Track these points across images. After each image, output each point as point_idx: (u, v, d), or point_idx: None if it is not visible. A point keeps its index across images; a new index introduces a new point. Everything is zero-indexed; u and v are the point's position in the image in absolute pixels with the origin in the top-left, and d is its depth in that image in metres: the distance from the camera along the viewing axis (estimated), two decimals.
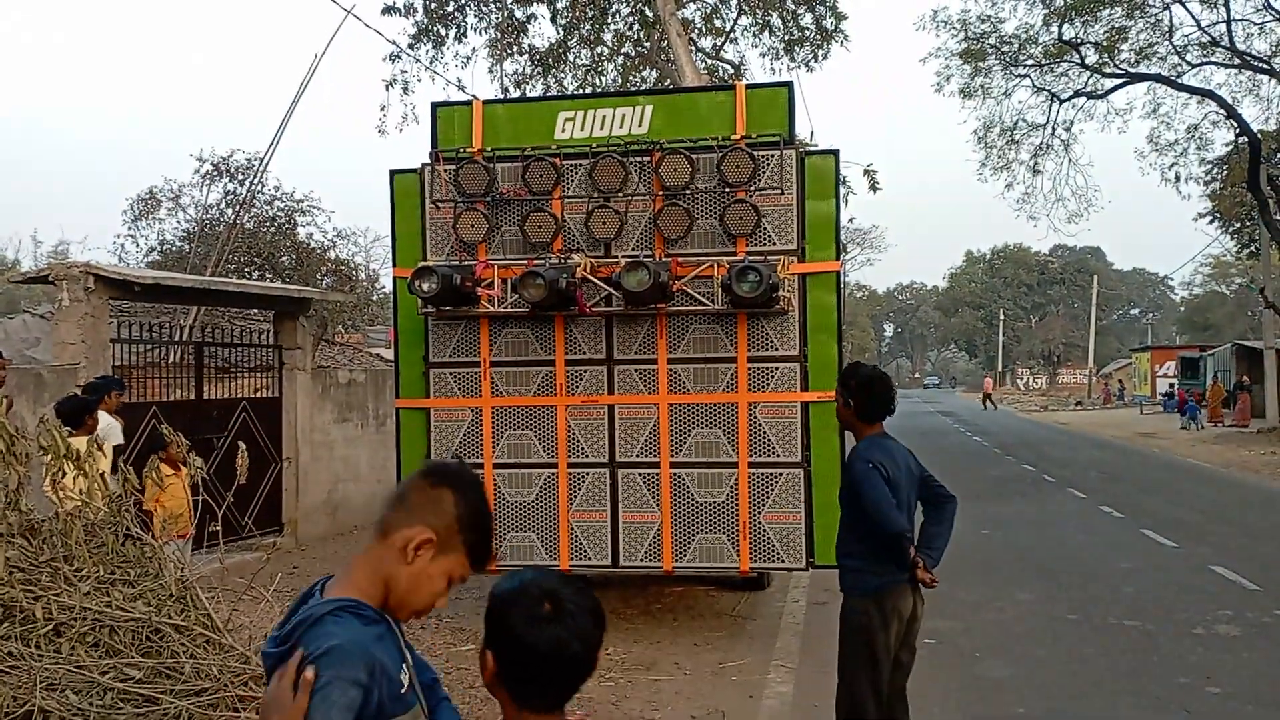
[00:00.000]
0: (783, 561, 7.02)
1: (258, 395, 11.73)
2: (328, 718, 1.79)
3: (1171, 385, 42.53)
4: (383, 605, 1.94)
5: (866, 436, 4.45)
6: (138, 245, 21.15)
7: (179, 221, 21.10)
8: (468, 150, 7.33)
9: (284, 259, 19.67)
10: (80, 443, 5.32)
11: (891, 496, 4.30)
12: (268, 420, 11.46)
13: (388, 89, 20.77)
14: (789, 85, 7.47)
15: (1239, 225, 32.64)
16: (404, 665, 1.96)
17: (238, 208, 19.17)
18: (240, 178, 19.99)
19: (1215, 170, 29.55)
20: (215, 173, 20.22)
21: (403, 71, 20.80)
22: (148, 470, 5.32)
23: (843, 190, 18.63)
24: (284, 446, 11.63)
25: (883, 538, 4.33)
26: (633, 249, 7.09)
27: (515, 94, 20.22)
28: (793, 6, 20.84)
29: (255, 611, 5.42)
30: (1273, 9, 24.09)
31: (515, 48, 20.96)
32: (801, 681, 6.46)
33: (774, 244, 6.98)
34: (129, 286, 9.77)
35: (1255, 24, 24.94)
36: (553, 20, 20.79)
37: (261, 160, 18.80)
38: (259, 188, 19.67)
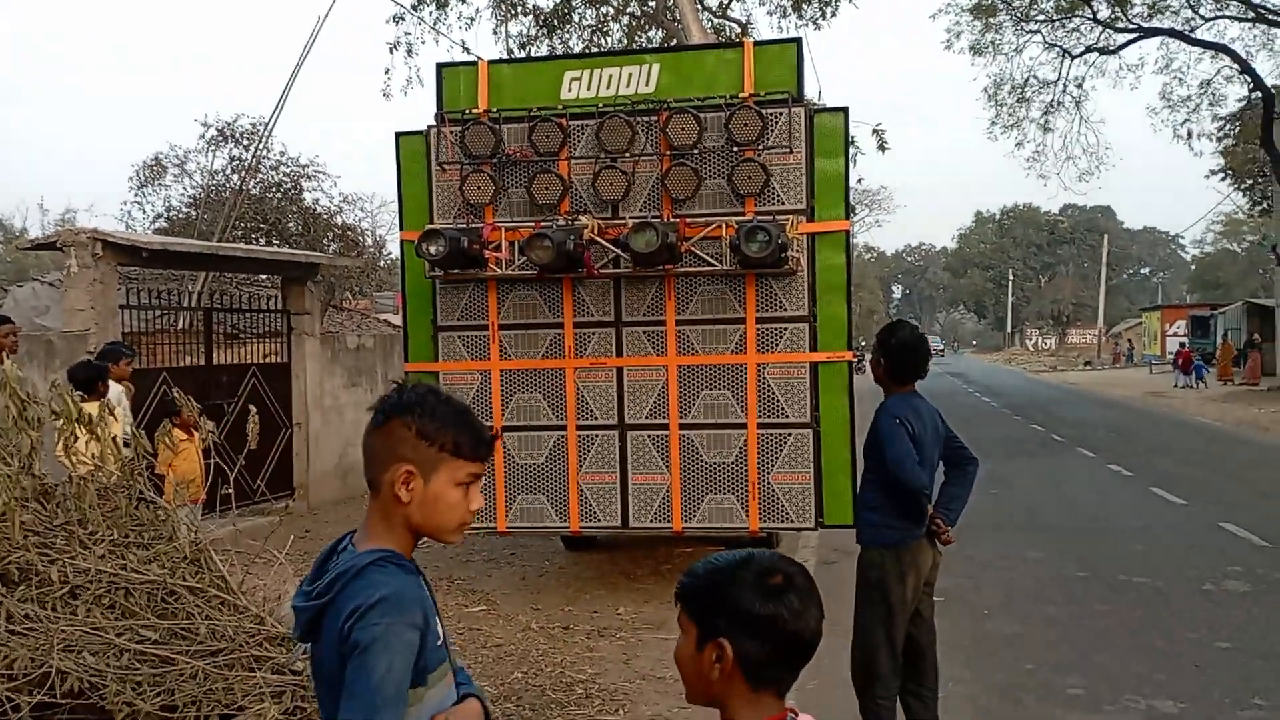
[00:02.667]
0: (792, 522, 7.04)
1: (267, 361, 11.76)
2: (390, 664, 1.80)
3: (1181, 344, 42.42)
4: (413, 550, 1.98)
5: (896, 394, 4.50)
6: (144, 212, 21.13)
7: (185, 188, 21.04)
8: (473, 111, 7.26)
9: (291, 224, 19.62)
10: (93, 408, 5.34)
11: (915, 453, 4.34)
12: (277, 385, 11.50)
13: (392, 52, 20.68)
14: (797, 41, 7.38)
15: (1251, 182, 32.38)
16: (438, 617, 1.98)
17: (244, 173, 19.10)
18: (245, 143, 19.89)
19: (1228, 126, 29.26)
20: (220, 138, 20.12)
21: (406, 34, 20.67)
22: (160, 435, 5.33)
23: (852, 150, 18.49)
24: (294, 411, 11.68)
25: (903, 493, 4.37)
26: (640, 210, 7.04)
27: (520, 55, 20.05)
28: None
29: (268, 574, 5.46)
30: None
31: (519, 8, 20.75)
32: None
33: (783, 203, 6.93)
34: (137, 252, 9.77)
35: None
36: None
37: (266, 125, 18.71)
38: (264, 153, 19.59)
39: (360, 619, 1.81)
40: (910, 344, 4.49)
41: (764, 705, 1.67)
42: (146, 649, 4.25)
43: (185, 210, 20.47)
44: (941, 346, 78.90)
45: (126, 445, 5.07)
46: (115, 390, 7.12)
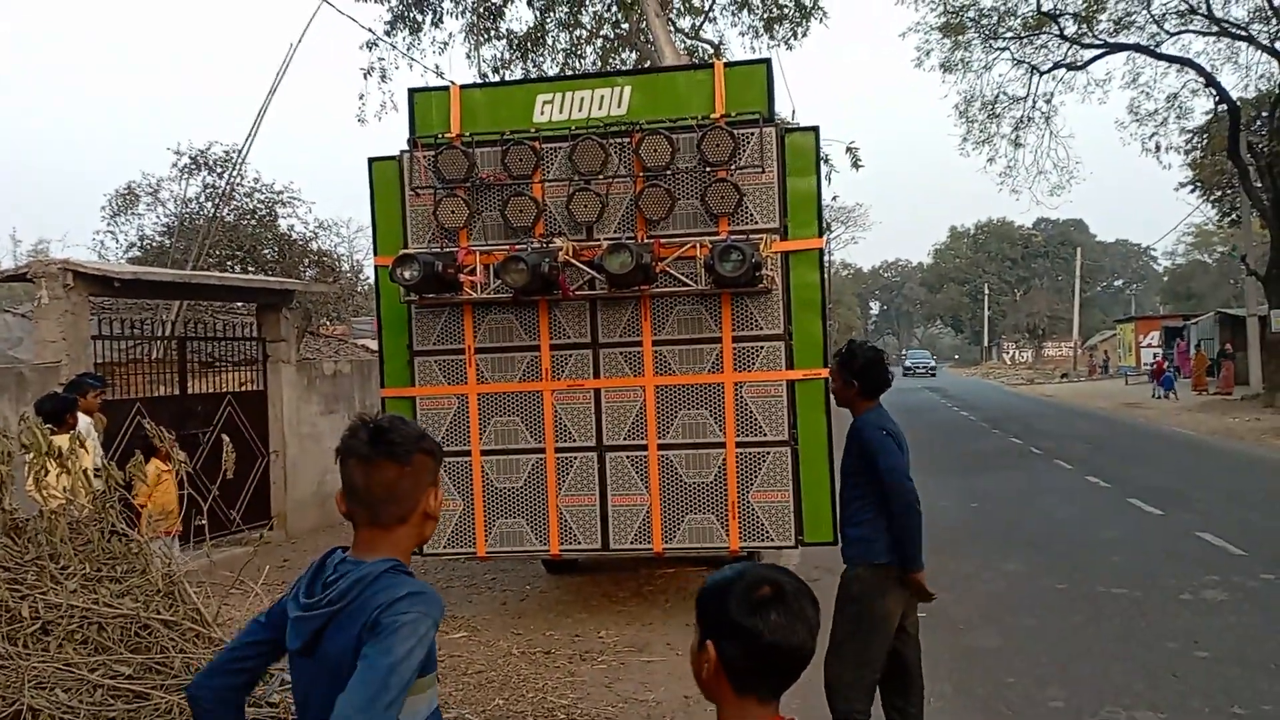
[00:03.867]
0: (772, 540, 7.04)
1: (243, 389, 11.67)
2: (410, 650, 1.87)
3: (1156, 355, 42.84)
4: None
5: (869, 408, 4.53)
6: (117, 241, 20.96)
7: (158, 216, 20.92)
8: (446, 136, 7.28)
9: (266, 251, 19.52)
10: (63, 440, 5.28)
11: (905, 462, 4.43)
12: (253, 414, 11.41)
13: (366, 77, 20.66)
14: (767, 62, 7.44)
15: (1220, 193, 32.79)
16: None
17: (217, 201, 19.00)
18: (219, 170, 19.80)
19: (1195, 139, 29.67)
20: (193, 166, 20.03)
21: (380, 59, 20.79)
22: (133, 466, 5.27)
23: (826, 168, 18.61)
24: (270, 439, 11.59)
25: (897, 503, 4.38)
26: (615, 231, 7.06)
27: (494, 79, 20.10)
28: None
29: (244, 605, 5.40)
30: None
31: (492, 32, 20.83)
32: None
33: (756, 223, 6.97)
34: (109, 282, 9.69)
35: None
36: (529, 3, 20.66)
37: (240, 152, 18.65)
38: (238, 180, 19.50)
39: (389, 608, 1.90)
40: (874, 359, 4.56)
41: (748, 711, 1.73)
42: (120, 684, 4.20)
43: (159, 239, 20.35)
44: (933, 364, 72.18)
45: (98, 476, 5.02)
46: (84, 422, 7.04)
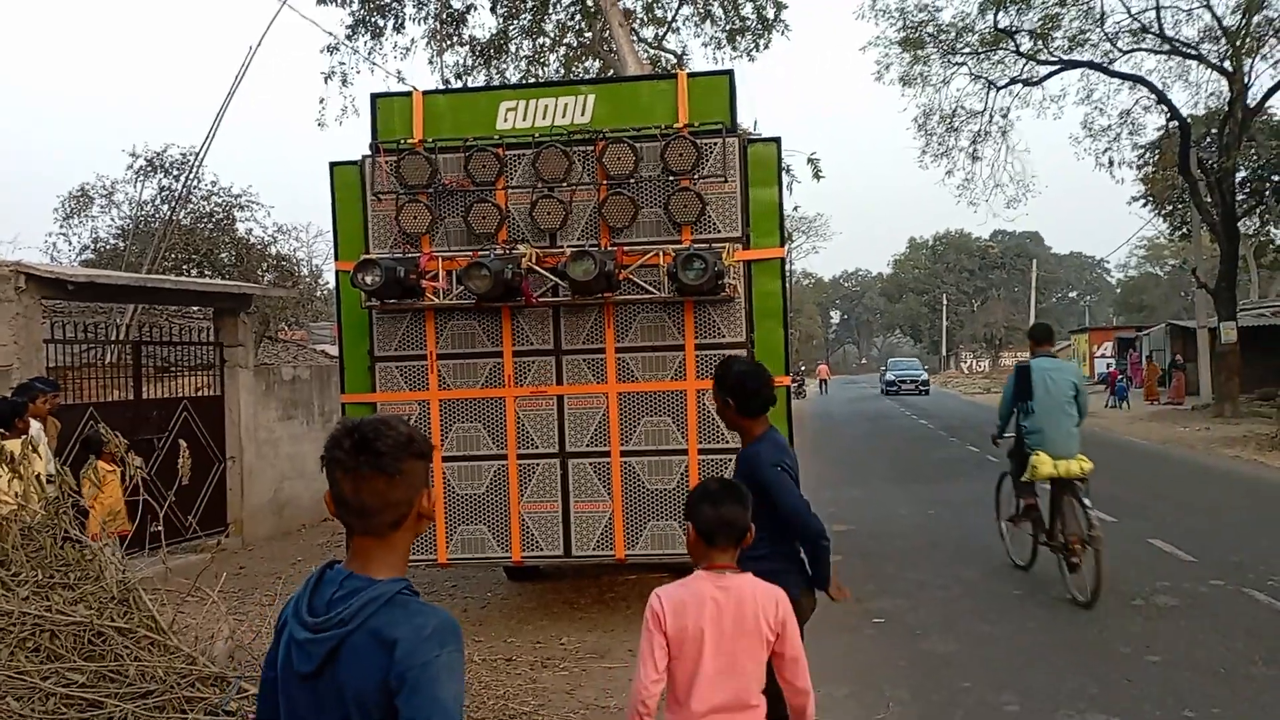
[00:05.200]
0: None
1: (199, 394, 11.53)
2: (456, 691, 1.83)
3: (1109, 365, 43.59)
4: None
5: (758, 435, 4.13)
6: (70, 244, 20.65)
7: (113, 219, 20.64)
8: (409, 141, 7.25)
9: (223, 255, 19.32)
10: (14, 445, 5.19)
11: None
12: (210, 419, 11.28)
13: (326, 81, 20.57)
14: (730, 73, 7.51)
15: (1171, 208, 33.49)
16: None
17: (173, 204, 18.77)
18: (175, 173, 19.59)
19: (1147, 154, 30.29)
20: (149, 168, 19.80)
21: (341, 63, 20.57)
22: (85, 471, 5.20)
23: (787, 179, 18.78)
24: (227, 445, 11.45)
25: (805, 542, 4.10)
26: (578, 238, 7.08)
27: (456, 85, 20.05)
28: None
29: (200, 612, 5.33)
30: None
31: (455, 38, 20.79)
32: None
33: (719, 231, 7.02)
34: (62, 285, 9.54)
35: (1184, 10, 25.56)
36: (493, 10, 20.66)
37: (197, 155, 18.43)
38: (195, 183, 19.29)
39: (419, 647, 1.81)
40: (746, 373, 4.17)
41: (714, 556, 3.03)
42: (74, 692, 4.14)
43: (113, 242, 20.06)
44: (924, 378, 52.58)
45: (50, 482, 4.94)
46: (34, 428, 6.93)
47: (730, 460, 6.97)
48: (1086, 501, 7.76)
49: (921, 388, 50.45)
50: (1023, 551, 8.81)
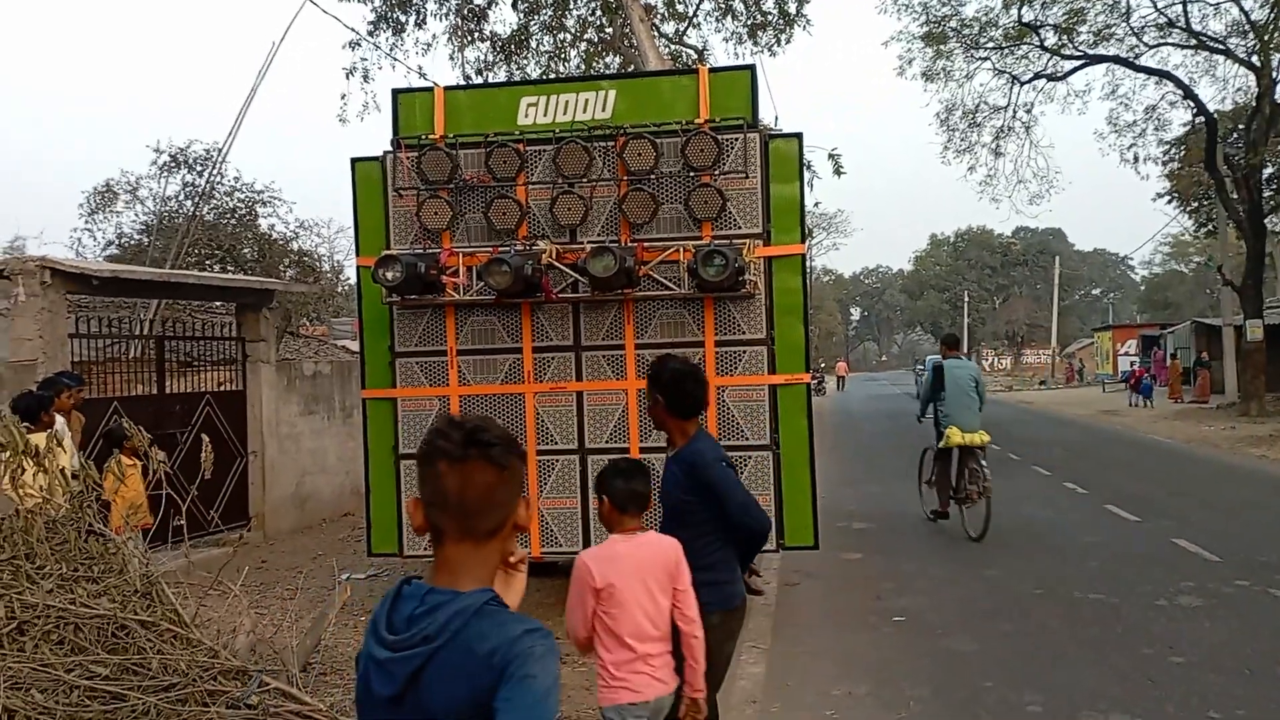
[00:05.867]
0: None
1: (221, 389, 11.60)
2: (549, 689, 1.72)
3: (1133, 363, 43.20)
4: None
5: (694, 435, 4.01)
6: (95, 239, 20.84)
7: (137, 214, 20.81)
8: (430, 137, 7.27)
9: (246, 251, 19.44)
10: (40, 439, 5.24)
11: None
12: (232, 414, 11.34)
13: (348, 77, 20.59)
14: (751, 68, 7.47)
15: (1197, 205, 33.15)
16: None
17: (197, 199, 18.91)
18: (199, 169, 19.73)
19: (1173, 150, 29.98)
20: (173, 164, 19.95)
21: (363, 59, 20.72)
22: (109, 465, 5.24)
23: (808, 175, 18.72)
24: (249, 440, 11.52)
25: (751, 539, 3.99)
26: (598, 234, 7.07)
27: (477, 81, 20.08)
28: None
29: (222, 606, 5.37)
30: None
31: (476, 34, 20.80)
32: (774, 662, 6.51)
33: (739, 228, 6.99)
34: (86, 280, 9.62)
35: (1211, 4, 25.29)
36: (514, 6, 20.64)
37: (220, 151, 18.59)
38: (218, 179, 19.42)
39: (513, 646, 1.70)
40: (683, 373, 4.02)
41: (625, 521, 3.58)
42: (97, 685, 4.17)
43: (137, 237, 20.22)
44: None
45: (74, 477, 4.98)
46: (59, 422, 6.99)
47: (749, 457, 6.96)
48: (984, 463, 10.23)
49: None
50: (930, 508, 11.32)
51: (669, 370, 4.03)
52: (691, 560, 3.73)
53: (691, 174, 6.94)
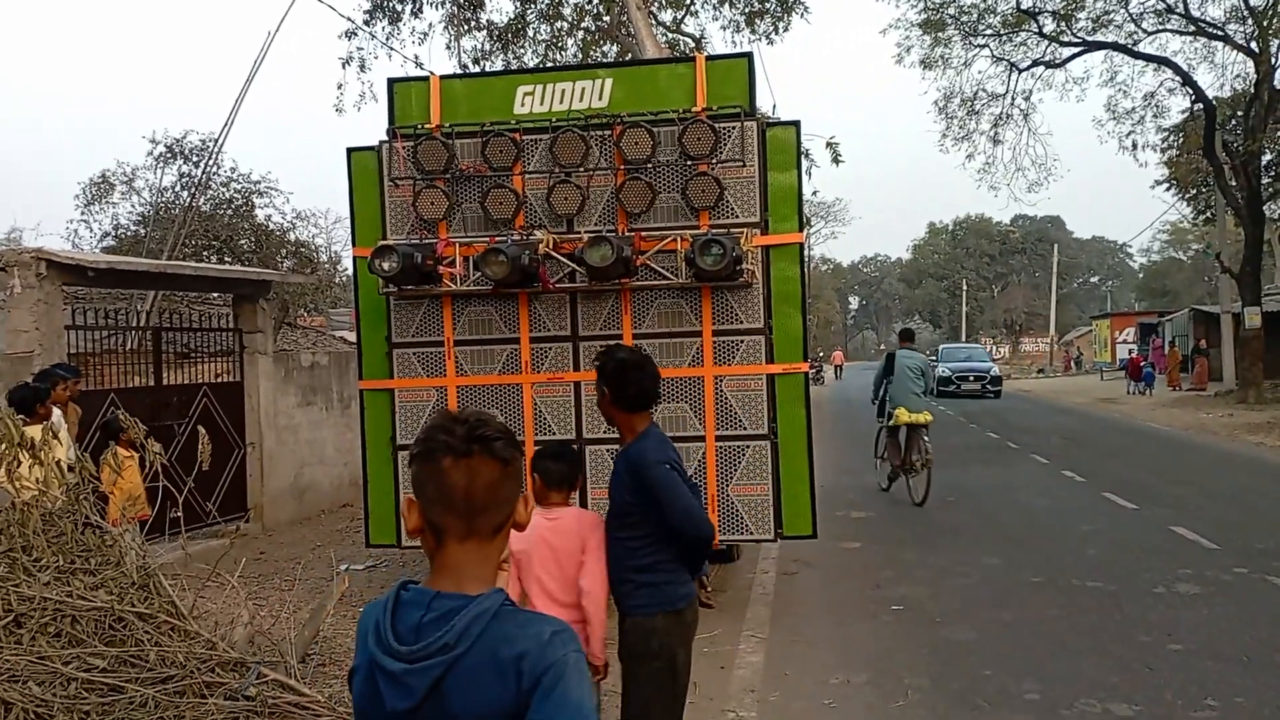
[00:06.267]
0: (751, 534, 7.05)
1: (219, 380, 11.59)
2: (584, 692, 1.67)
3: (1131, 351, 43.24)
4: None
5: (642, 432, 3.80)
6: (91, 230, 20.83)
7: (133, 205, 20.79)
8: (426, 127, 7.23)
9: (243, 242, 19.42)
10: (35, 431, 5.23)
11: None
12: (230, 405, 11.33)
13: (344, 67, 20.56)
14: (748, 56, 7.43)
15: (1195, 192, 33.11)
16: None
17: (193, 190, 18.86)
18: (195, 159, 19.68)
19: (1171, 137, 29.93)
20: (169, 155, 19.90)
21: (359, 49, 20.56)
22: (105, 457, 5.23)
23: (806, 163, 18.68)
24: (247, 431, 11.51)
25: (693, 546, 3.77)
26: (595, 224, 7.04)
27: (474, 70, 20.02)
28: None
29: (220, 597, 5.36)
30: None
31: (473, 23, 20.73)
32: (772, 651, 6.52)
33: (737, 216, 6.97)
34: (83, 272, 9.59)
35: None
36: None
37: (216, 141, 18.50)
38: (214, 169, 19.36)
39: (545, 652, 1.64)
40: (633, 362, 3.81)
41: (550, 497, 3.86)
42: (94, 677, 4.16)
43: (134, 228, 20.19)
44: (995, 372, 35.88)
45: (70, 469, 4.97)
46: (55, 415, 6.97)
47: (747, 447, 6.95)
48: (927, 439, 11.88)
49: (990, 388, 34.05)
50: (883, 479, 12.88)
51: (614, 360, 3.83)
52: (632, 561, 3.72)
53: (689, 163, 6.91)
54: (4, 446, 4.79)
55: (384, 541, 7.56)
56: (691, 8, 21.63)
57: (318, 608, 5.92)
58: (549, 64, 20.43)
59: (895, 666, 6.15)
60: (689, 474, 4.17)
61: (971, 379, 34.36)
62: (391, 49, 20.52)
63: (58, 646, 4.25)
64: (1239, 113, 26.67)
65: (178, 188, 19.94)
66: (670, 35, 21.04)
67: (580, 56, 20.84)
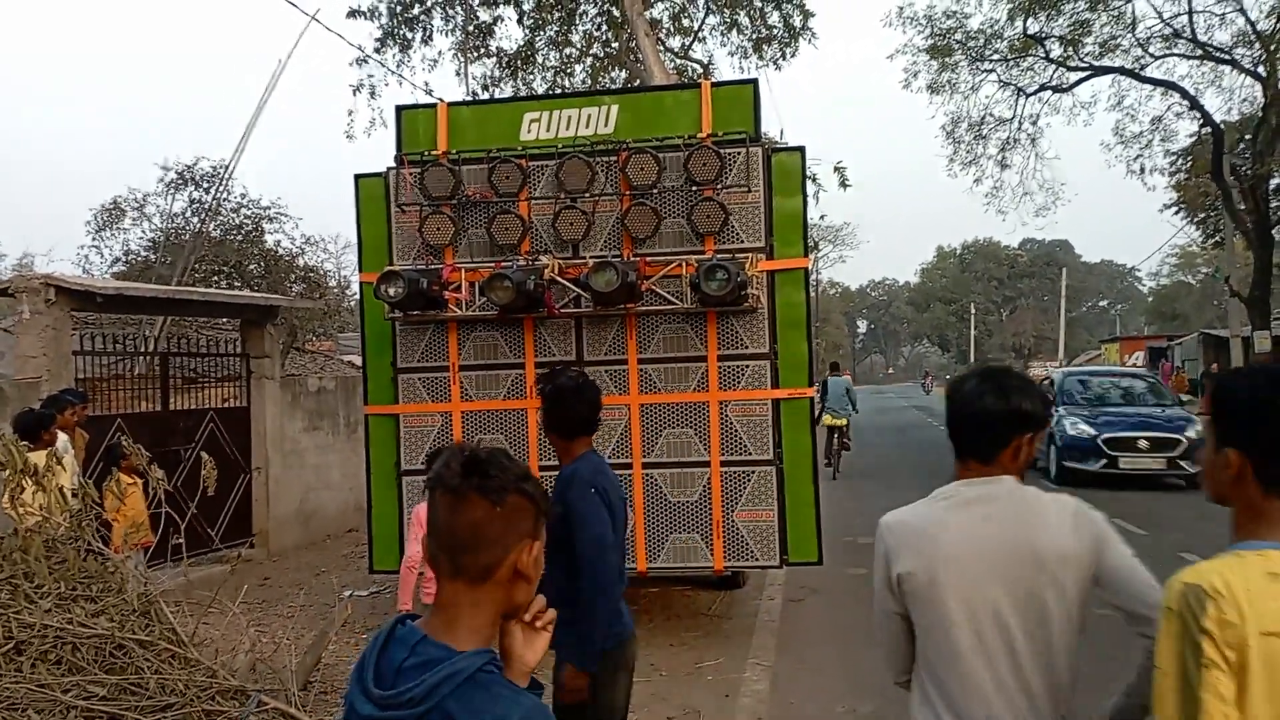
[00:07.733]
0: (757, 560, 7.01)
1: (226, 405, 11.60)
2: None
3: None
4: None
5: (579, 456, 3.70)
6: (102, 256, 20.91)
7: (144, 231, 20.88)
8: (433, 153, 7.27)
9: (252, 267, 19.49)
10: (39, 457, 5.23)
11: (611, 532, 3.60)
12: (237, 430, 11.34)
13: (355, 93, 20.68)
14: (754, 82, 7.46)
15: (1204, 215, 33.06)
16: None
17: (204, 216, 18.97)
18: (205, 186, 19.79)
19: (1179, 161, 29.89)
20: (180, 181, 20.01)
21: (369, 76, 20.77)
22: (108, 484, 5.22)
23: (813, 187, 18.70)
24: (253, 456, 11.50)
25: (591, 586, 3.52)
26: (601, 249, 7.06)
27: (483, 97, 20.15)
28: (760, 5, 20.89)
29: (222, 624, 5.34)
30: None
31: (482, 50, 20.88)
32: (778, 679, 6.45)
33: (742, 242, 6.97)
34: (91, 297, 9.63)
35: (1216, 15, 25.23)
36: (519, 21, 20.73)
37: (227, 167, 18.64)
38: (225, 195, 19.48)
39: None
40: (571, 389, 3.74)
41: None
42: (94, 705, 4.14)
43: (144, 254, 20.29)
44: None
45: (74, 495, 4.96)
46: (61, 440, 6.98)
47: (752, 472, 6.92)
48: (848, 439, 18.38)
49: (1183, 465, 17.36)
50: (827, 469, 16.00)
51: (552, 386, 3.76)
52: (563, 600, 3.15)
53: (694, 188, 6.93)
54: (8, 472, 4.79)
55: (387, 567, 7.53)
56: (699, 35, 21.76)
57: (320, 634, 5.89)
58: (557, 90, 20.54)
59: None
60: (627, 511, 3.86)
61: (1146, 449, 16.79)
62: (401, 76, 20.66)
63: (58, 674, 4.23)
64: (1247, 136, 26.65)
65: (188, 214, 20.07)
66: (678, 61, 21.16)
67: (588, 82, 20.95)
